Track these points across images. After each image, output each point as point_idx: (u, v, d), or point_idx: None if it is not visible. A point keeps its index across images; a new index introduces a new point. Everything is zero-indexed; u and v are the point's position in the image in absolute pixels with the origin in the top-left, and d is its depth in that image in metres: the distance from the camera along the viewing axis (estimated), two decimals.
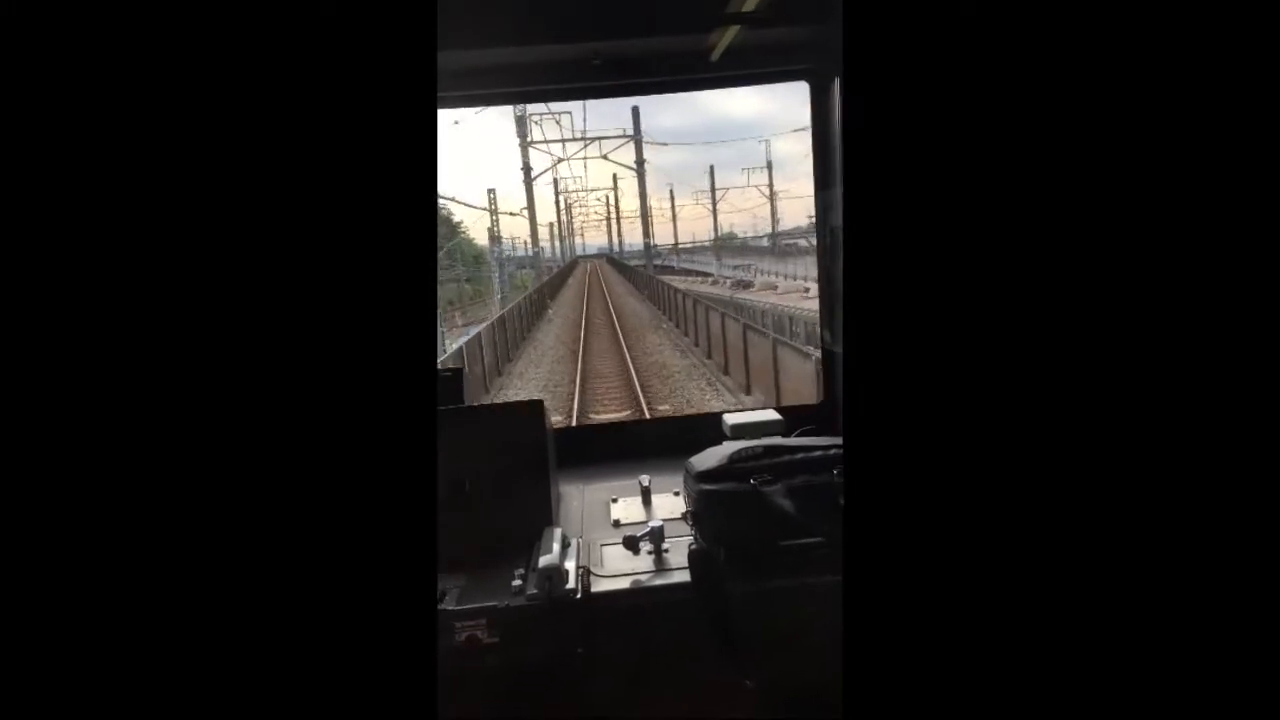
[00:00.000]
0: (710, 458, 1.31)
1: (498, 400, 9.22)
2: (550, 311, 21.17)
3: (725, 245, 42.31)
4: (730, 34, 1.60)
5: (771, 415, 1.64)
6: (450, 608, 1.21)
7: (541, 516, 1.45)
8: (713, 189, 45.98)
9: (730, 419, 1.63)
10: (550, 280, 32.53)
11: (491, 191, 24.81)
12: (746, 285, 25.09)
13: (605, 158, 28.52)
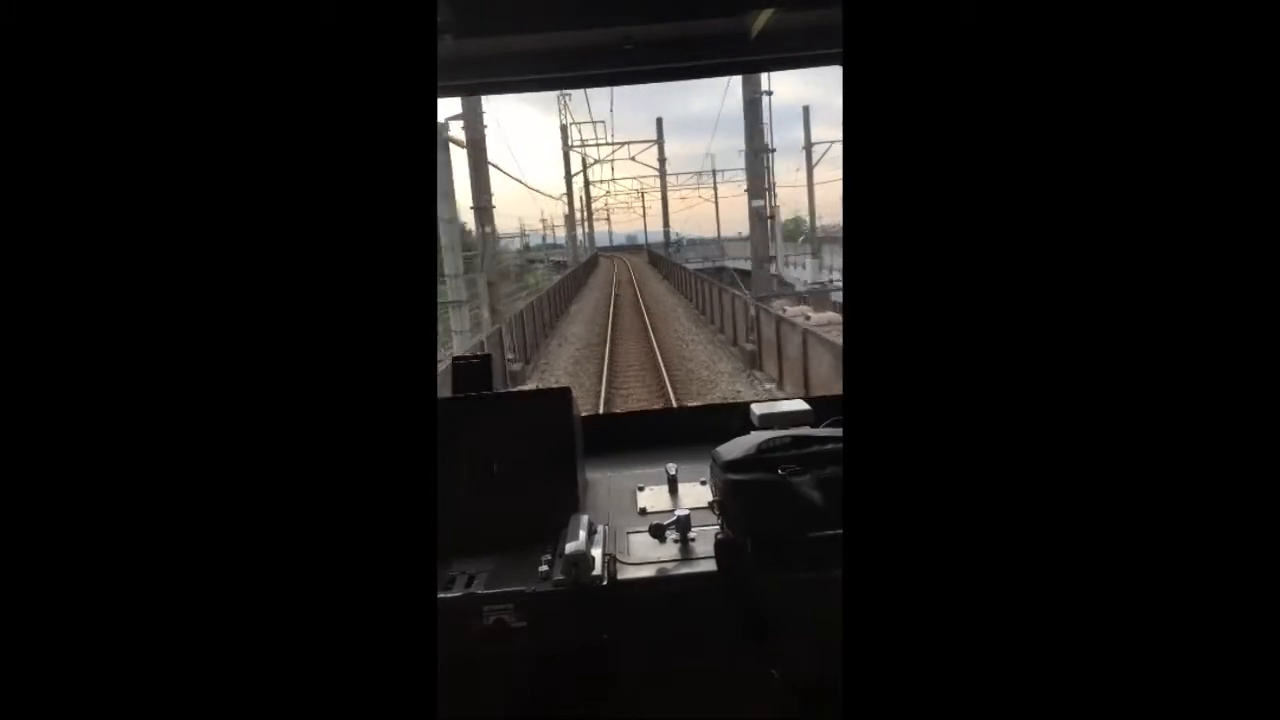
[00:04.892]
0: (737, 447, 1.30)
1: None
2: None
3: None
4: (764, 17, 1.58)
5: (800, 405, 1.61)
6: (479, 591, 1.23)
7: (568, 503, 1.46)
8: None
9: (758, 408, 1.62)
10: None
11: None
12: None
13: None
